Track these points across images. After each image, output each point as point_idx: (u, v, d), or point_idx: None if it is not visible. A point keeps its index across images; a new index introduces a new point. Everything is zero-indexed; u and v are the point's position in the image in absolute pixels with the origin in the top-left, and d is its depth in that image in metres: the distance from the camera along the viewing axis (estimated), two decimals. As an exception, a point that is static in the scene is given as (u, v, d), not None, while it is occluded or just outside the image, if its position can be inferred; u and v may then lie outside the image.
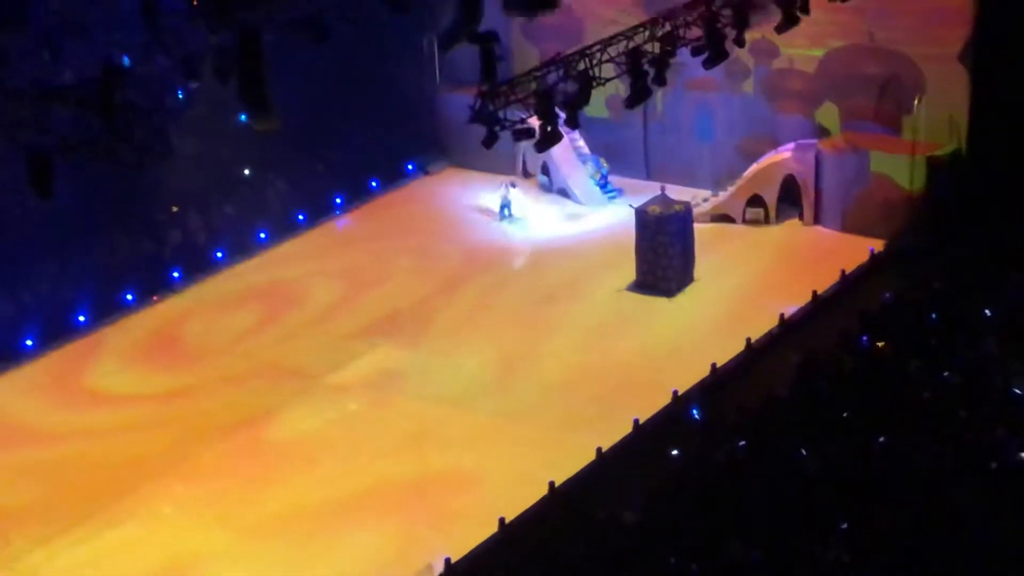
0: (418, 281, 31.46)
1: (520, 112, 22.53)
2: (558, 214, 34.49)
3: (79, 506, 23.54)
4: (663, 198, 30.45)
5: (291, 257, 33.36)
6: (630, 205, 31.20)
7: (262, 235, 33.77)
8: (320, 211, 35.04)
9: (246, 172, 34.56)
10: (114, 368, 28.73)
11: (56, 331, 29.69)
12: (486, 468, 24.00)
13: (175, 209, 32.96)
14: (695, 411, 23.59)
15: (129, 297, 30.89)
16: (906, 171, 31.16)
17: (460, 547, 20.83)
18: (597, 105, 30.61)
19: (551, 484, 21.99)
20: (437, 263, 32.28)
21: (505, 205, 34.34)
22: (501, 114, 21.99)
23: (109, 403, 27.29)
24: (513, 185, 34.55)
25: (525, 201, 34.46)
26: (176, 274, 31.96)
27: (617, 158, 35.47)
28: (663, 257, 29.98)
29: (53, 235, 31.03)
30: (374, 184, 36.26)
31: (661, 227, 29.90)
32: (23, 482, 23.39)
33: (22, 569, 20.48)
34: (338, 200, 35.42)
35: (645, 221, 30.08)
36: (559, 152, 32.94)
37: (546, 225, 34.02)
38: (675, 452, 21.96)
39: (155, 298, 31.35)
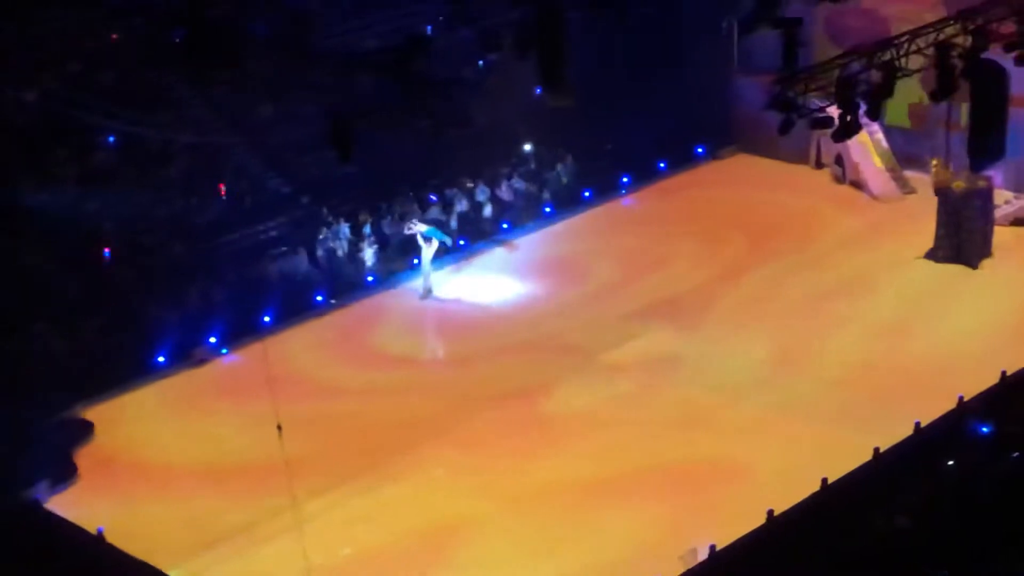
0: (700, 266, 31.21)
1: (819, 100, 22.09)
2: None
3: (357, 461, 24.26)
4: (967, 174, 29.80)
5: (574, 233, 33.56)
6: None
7: (547, 209, 34.07)
8: (606, 189, 35.13)
9: (534, 147, 34.95)
10: (397, 330, 29.48)
11: (345, 289, 30.67)
12: (756, 459, 23.61)
13: (469, 185, 33.60)
14: (979, 419, 22.71)
15: (416, 261, 31.61)
16: None
17: (725, 536, 20.55)
18: (899, 113, 29.97)
19: (824, 481, 21.52)
20: (721, 249, 31.94)
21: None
22: (799, 101, 21.61)
23: (390, 364, 28.01)
24: (413, 224, 30.96)
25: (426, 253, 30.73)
26: (462, 242, 32.53)
27: (918, 170, 34.33)
28: (965, 232, 29.59)
29: (347, 197, 32.11)
30: (662, 165, 36.12)
31: (966, 202, 29.49)
32: (306, 434, 24.16)
33: (301, 517, 21.22)
34: (625, 179, 35.43)
35: (948, 197, 29.54)
36: (855, 143, 32.16)
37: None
38: (953, 462, 21.20)
39: (439, 264, 31.97)
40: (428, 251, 30.28)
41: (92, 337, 27.76)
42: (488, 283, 31.29)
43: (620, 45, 32.48)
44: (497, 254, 32.66)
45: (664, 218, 34.01)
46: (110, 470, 24.61)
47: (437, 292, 30.67)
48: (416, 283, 30.82)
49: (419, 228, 30.43)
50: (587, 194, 34.76)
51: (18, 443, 24.41)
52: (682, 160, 36.56)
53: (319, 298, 30.19)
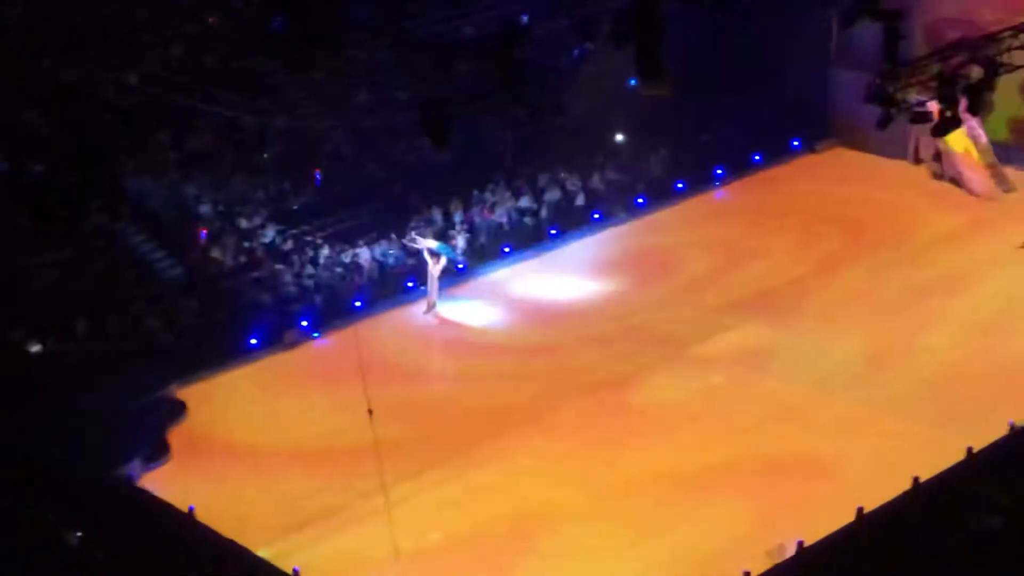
0: (794, 260, 30.95)
1: (919, 95, 21.77)
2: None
3: (446, 447, 24.38)
4: None
5: (667, 224, 33.43)
6: None
7: (640, 200, 33.94)
8: (700, 181, 34.91)
9: (626, 137, 34.82)
10: (487, 318, 29.51)
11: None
12: (847, 457, 23.40)
13: (562, 174, 33.55)
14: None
15: (506, 250, 31.62)
16: None
17: (814, 533, 20.36)
18: (999, 127, 29.31)
19: (915, 480, 21.25)
20: (816, 243, 31.65)
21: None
22: (899, 95, 21.31)
23: (480, 351, 28.11)
24: (418, 238, 29.95)
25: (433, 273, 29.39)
26: (553, 231, 32.51)
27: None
28: None
29: (440, 184, 32.20)
30: (757, 158, 35.82)
31: None
32: (396, 418, 24.27)
33: (389, 501, 21.33)
34: (719, 171, 35.19)
35: None
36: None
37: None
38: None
39: (532, 252, 31.96)
40: (435, 267, 29.18)
41: (187, 318, 28.13)
42: (578, 273, 31.24)
43: (718, 35, 32.23)
44: (588, 244, 32.57)
45: (758, 211, 33.76)
46: (202, 450, 24.94)
47: (519, 287, 30.54)
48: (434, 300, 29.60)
49: (427, 243, 29.51)
50: (680, 185, 34.57)
51: (113, 421, 24.81)
52: (778, 153, 36.27)
53: (410, 284, 30.30)
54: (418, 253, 29.72)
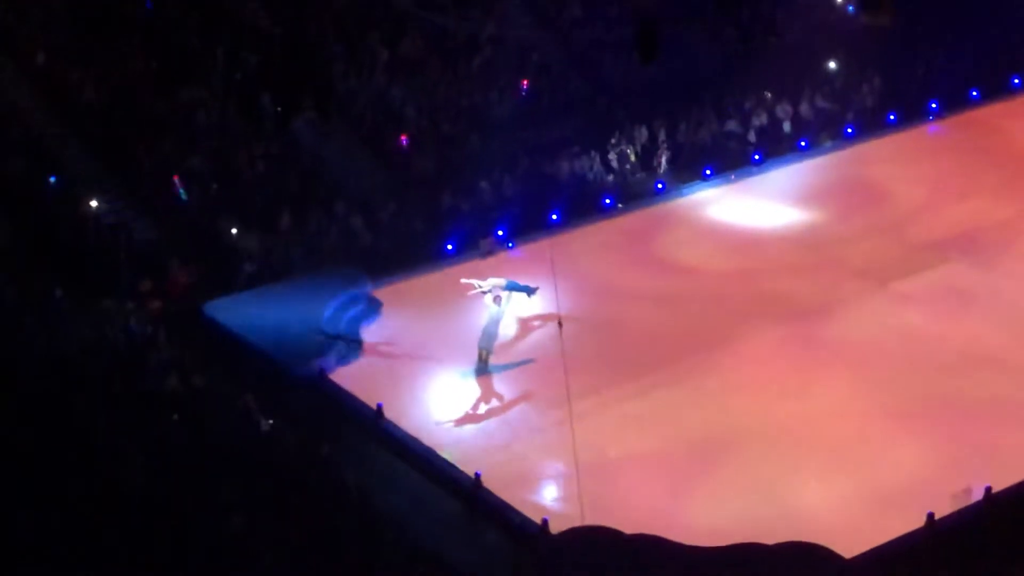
0: (1005, 201, 29.93)
1: None
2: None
3: (632, 364, 24.38)
4: None
5: (875, 156, 32.58)
6: None
7: (849, 130, 33.19)
8: (913, 114, 33.91)
9: (841, 65, 33.95)
10: (684, 239, 29.29)
11: (634, 195, 30.64)
12: (1045, 405, 22.75)
13: (768, 95, 32.90)
14: None
15: (708, 172, 31.29)
16: None
17: (1003, 479, 19.95)
18: None
19: (1114, 434, 20.61)
20: (1029, 185, 30.61)
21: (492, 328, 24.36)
22: None
23: (674, 272, 27.90)
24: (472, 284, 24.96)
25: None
26: (757, 157, 32.02)
27: None
28: None
29: (646, 103, 31.94)
30: (974, 94, 34.63)
31: None
32: (585, 333, 24.42)
33: (573, 413, 21.42)
34: (933, 105, 34.13)
35: None
36: None
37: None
38: None
39: (732, 177, 31.59)
40: (495, 311, 24.49)
41: (388, 220, 28.54)
42: (779, 201, 30.73)
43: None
44: (791, 172, 32.00)
45: (971, 149, 32.65)
46: (394, 349, 25.36)
47: (718, 211, 30.07)
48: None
49: (492, 282, 24.81)
50: (892, 118, 33.63)
51: (311, 314, 25.42)
52: (996, 90, 34.93)
53: (607, 201, 30.22)
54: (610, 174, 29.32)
